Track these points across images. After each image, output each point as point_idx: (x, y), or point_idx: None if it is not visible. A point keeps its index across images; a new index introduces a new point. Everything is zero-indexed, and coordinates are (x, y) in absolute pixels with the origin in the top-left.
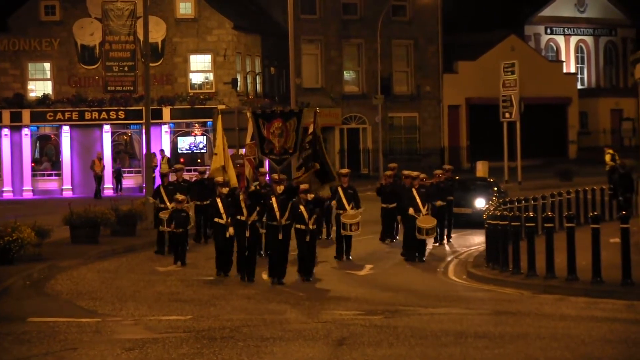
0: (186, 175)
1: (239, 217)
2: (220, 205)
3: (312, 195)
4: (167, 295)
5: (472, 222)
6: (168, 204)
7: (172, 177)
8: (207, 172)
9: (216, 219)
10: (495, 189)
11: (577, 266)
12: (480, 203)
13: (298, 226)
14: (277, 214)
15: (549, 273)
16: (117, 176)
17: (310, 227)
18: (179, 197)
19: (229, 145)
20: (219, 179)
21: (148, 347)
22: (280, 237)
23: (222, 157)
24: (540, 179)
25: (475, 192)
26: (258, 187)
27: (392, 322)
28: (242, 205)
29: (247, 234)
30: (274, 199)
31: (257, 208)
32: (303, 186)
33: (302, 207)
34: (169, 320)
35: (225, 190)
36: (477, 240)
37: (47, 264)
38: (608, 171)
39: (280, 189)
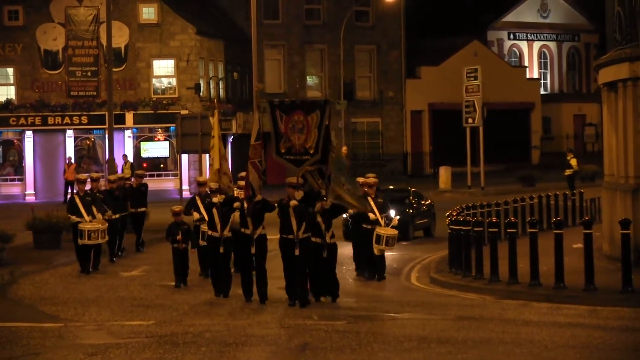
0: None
1: (243, 230)
2: (215, 215)
3: (330, 202)
4: (130, 300)
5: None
6: (85, 215)
7: (87, 186)
8: (119, 182)
9: (210, 232)
10: (414, 199)
11: (540, 271)
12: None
13: (314, 239)
14: (294, 225)
15: (511, 278)
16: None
17: (328, 240)
18: (176, 208)
19: (191, 150)
20: (213, 185)
21: (111, 352)
22: (297, 252)
23: (217, 160)
24: (503, 184)
25: (387, 203)
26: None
27: (354, 328)
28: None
29: (253, 250)
30: (290, 208)
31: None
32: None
33: (319, 217)
34: (131, 325)
35: (220, 198)
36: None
37: (10, 269)
38: (569, 176)
39: (298, 195)
